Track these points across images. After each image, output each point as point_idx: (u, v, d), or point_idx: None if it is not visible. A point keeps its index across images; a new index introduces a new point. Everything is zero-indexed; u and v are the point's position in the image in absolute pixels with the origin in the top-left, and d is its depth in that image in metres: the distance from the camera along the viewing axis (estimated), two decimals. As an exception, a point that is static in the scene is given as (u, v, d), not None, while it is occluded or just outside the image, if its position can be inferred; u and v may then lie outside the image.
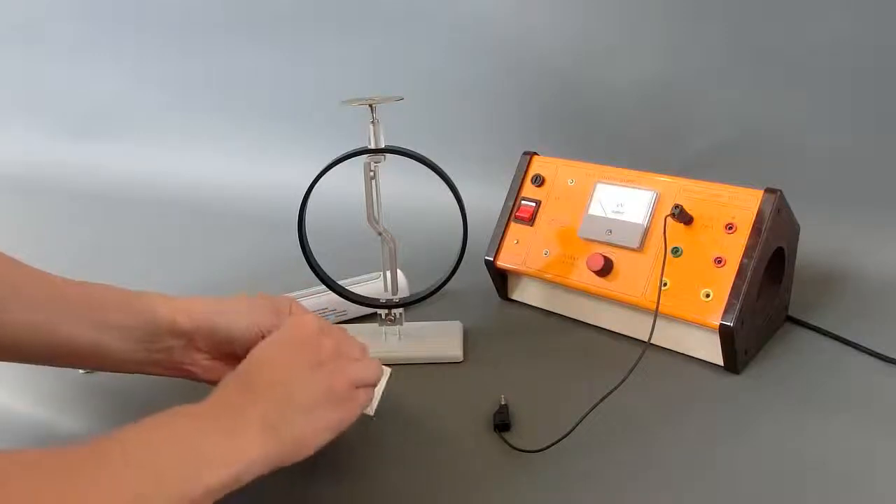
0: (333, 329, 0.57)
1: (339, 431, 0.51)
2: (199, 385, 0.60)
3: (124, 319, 0.57)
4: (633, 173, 0.78)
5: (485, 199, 0.88)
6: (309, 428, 0.49)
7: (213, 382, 0.60)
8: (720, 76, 1.00)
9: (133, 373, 0.59)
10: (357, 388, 0.53)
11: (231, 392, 0.49)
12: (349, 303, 0.77)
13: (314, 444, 0.49)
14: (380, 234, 0.73)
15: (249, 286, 0.87)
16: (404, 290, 0.81)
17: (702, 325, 0.69)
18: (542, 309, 0.85)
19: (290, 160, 1.25)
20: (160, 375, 0.61)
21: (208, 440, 0.45)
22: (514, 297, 0.88)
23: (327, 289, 0.76)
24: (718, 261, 0.69)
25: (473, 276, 0.84)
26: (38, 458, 0.40)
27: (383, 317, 0.77)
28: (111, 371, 0.59)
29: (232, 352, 0.59)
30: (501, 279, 0.86)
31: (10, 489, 0.37)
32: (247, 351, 0.57)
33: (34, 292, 0.56)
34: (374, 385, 0.56)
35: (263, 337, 0.58)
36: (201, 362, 0.60)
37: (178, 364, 0.60)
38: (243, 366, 0.52)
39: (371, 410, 0.59)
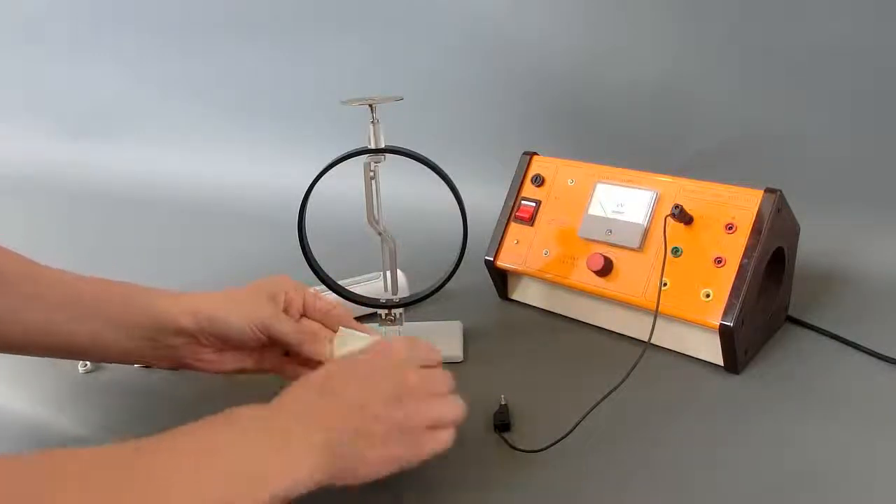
0: (422, 357, 0.55)
1: (402, 467, 0.50)
2: (200, 384, 0.60)
3: (129, 318, 0.57)
4: (633, 173, 0.78)
5: (485, 199, 0.88)
6: (372, 457, 0.48)
7: (220, 373, 0.61)
8: (720, 76, 1.00)
9: (136, 364, 0.60)
10: (433, 427, 0.52)
11: (301, 401, 0.49)
12: (349, 303, 0.77)
13: (372, 475, 0.49)
14: (380, 234, 0.73)
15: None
16: (404, 290, 0.81)
17: (702, 325, 0.69)
18: (542, 309, 0.85)
19: (290, 160, 1.25)
20: (165, 368, 0.61)
21: (272, 448, 0.45)
22: (514, 297, 0.87)
23: (327, 289, 0.76)
24: (718, 261, 0.69)
25: (473, 276, 0.84)
26: (90, 464, 0.40)
27: (383, 317, 0.77)
28: (114, 363, 0.60)
29: (238, 344, 0.60)
30: (501, 279, 0.86)
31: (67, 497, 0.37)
32: (247, 344, 0.58)
33: (52, 292, 0.57)
34: (455, 425, 0.53)
35: (262, 332, 0.59)
36: (207, 356, 0.61)
37: (183, 359, 0.60)
38: (320, 377, 0.51)
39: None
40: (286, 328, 0.60)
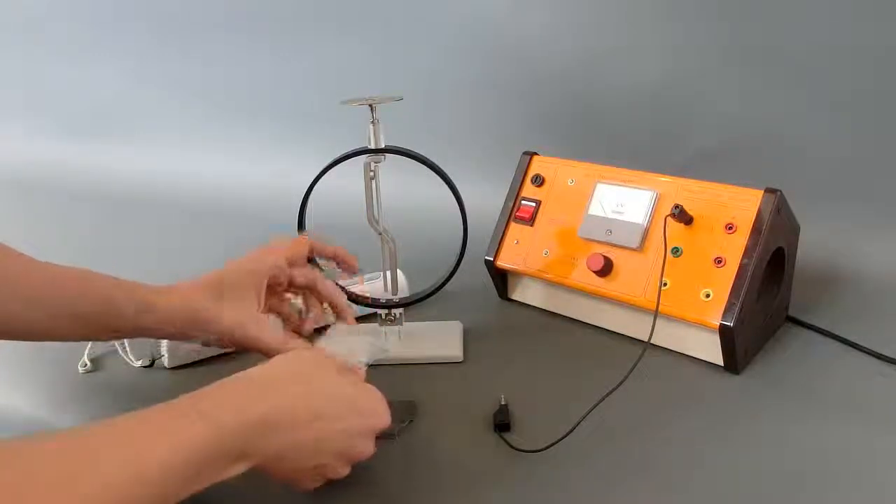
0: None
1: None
2: (199, 384, 0.60)
3: (110, 321, 0.61)
4: (633, 173, 0.78)
5: (485, 199, 0.88)
6: (301, 467, 0.50)
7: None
8: (720, 76, 1.00)
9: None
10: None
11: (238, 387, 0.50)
12: (349, 303, 0.77)
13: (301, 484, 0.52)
14: (380, 234, 0.73)
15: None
16: (404, 290, 0.81)
17: (702, 325, 0.69)
18: (542, 309, 0.85)
19: (290, 160, 1.26)
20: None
21: (165, 415, 0.46)
22: (514, 297, 0.87)
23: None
24: (718, 261, 0.69)
25: (473, 276, 0.84)
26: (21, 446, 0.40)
27: (383, 317, 0.77)
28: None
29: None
30: (501, 279, 0.86)
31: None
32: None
33: (30, 281, 0.58)
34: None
35: (237, 343, 0.63)
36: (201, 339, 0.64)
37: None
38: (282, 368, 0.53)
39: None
40: (263, 343, 0.63)
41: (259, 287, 0.64)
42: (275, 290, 0.67)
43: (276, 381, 0.51)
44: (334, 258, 0.70)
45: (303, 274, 0.67)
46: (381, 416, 0.54)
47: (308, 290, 0.69)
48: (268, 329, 0.64)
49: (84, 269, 0.61)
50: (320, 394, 0.51)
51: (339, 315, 0.70)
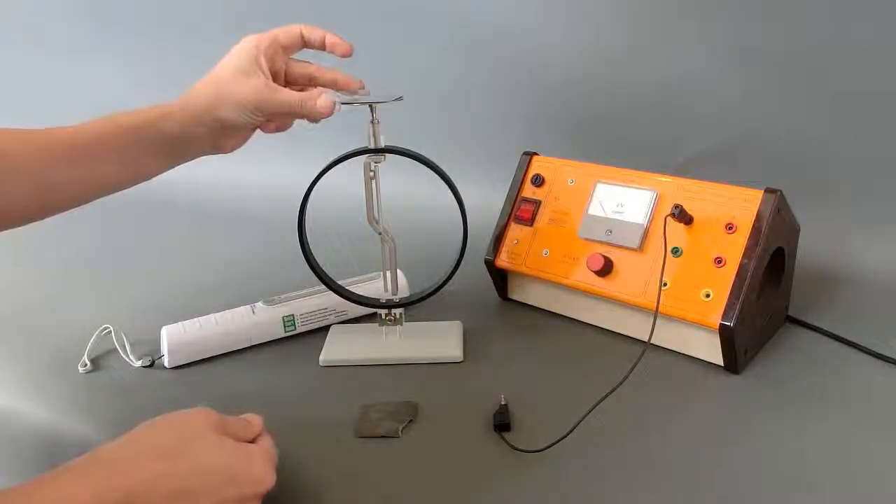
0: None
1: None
2: (200, 385, 0.60)
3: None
4: (633, 173, 0.78)
5: (485, 199, 0.88)
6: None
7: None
8: (720, 76, 1.00)
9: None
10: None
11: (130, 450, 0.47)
12: (349, 303, 0.77)
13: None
14: (380, 234, 0.73)
15: (249, 286, 0.88)
16: (404, 290, 0.81)
17: (702, 325, 0.69)
18: (542, 309, 0.85)
19: (290, 160, 1.25)
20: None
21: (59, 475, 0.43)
22: (514, 297, 0.87)
23: (327, 289, 0.76)
24: (718, 261, 0.69)
25: (473, 276, 0.84)
26: None
27: (383, 317, 0.77)
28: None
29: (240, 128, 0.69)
30: (501, 279, 0.86)
31: None
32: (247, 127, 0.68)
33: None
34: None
35: (257, 113, 0.66)
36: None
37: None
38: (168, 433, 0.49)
39: None
40: (281, 101, 0.66)
41: (256, 58, 0.66)
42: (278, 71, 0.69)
43: (134, 460, 0.46)
44: (333, 85, 0.70)
45: (300, 65, 0.71)
46: (264, 482, 0.50)
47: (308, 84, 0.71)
48: (278, 89, 0.66)
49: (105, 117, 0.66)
50: (186, 470, 0.46)
51: (345, 87, 0.71)
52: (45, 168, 0.60)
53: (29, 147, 0.60)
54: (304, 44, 0.71)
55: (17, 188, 0.59)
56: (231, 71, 0.66)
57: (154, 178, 0.69)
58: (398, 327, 0.77)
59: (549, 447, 0.58)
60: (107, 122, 0.65)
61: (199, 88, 0.67)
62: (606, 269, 0.75)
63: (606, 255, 0.75)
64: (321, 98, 0.66)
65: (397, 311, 0.77)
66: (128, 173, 0.66)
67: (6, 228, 0.61)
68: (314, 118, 0.68)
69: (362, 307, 0.78)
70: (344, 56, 0.70)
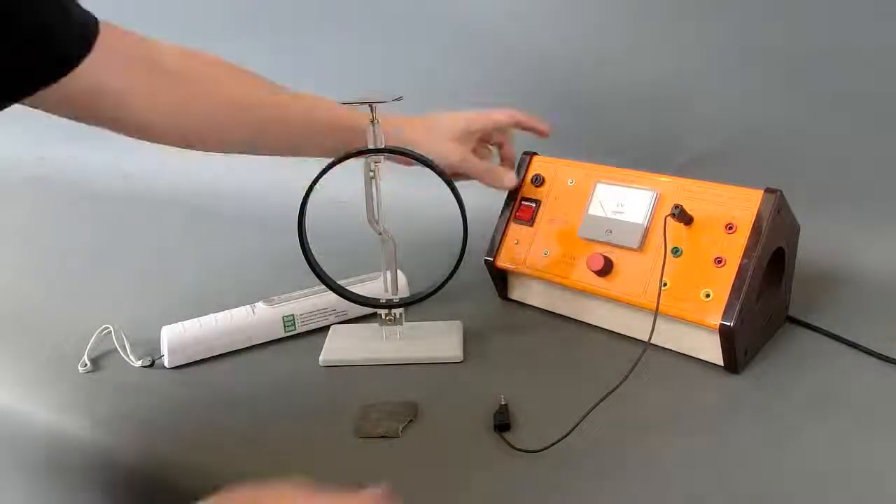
0: None
1: None
2: (199, 384, 0.60)
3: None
4: (633, 173, 0.78)
5: (485, 199, 0.88)
6: None
7: None
8: (720, 76, 1.00)
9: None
10: None
11: None
12: (349, 303, 0.77)
13: None
14: (380, 234, 0.73)
15: (249, 286, 0.88)
16: (404, 290, 0.81)
17: (702, 325, 0.69)
18: (542, 309, 0.85)
19: (290, 160, 1.25)
20: None
21: None
22: (514, 297, 0.87)
23: (327, 289, 0.76)
24: (718, 261, 0.69)
25: (473, 276, 0.84)
26: None
27: (383, 317, 0.77)
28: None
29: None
30: (501, 279, 0.86)
31: None
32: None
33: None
34: None
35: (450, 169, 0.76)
36: None
37: None
38: None
39: None
40: (473, 169, 0.81)
41: (469, 134, 0.81)
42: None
43: None
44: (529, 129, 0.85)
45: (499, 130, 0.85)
46: None
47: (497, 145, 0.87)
48: (475, 160, 0.80)
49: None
50: None
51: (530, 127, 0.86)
52: (265, 125, 0.75)
53: (265, 100, 0.76)
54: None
55: (243, 129, 0.75)
56: (448, 128, 0.81)
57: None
58: (398, 327, 0.77)
59: (548, 447, 0.58)
60: (325, 108, 0.77)
61: (414, 124, 0.80)
62: (606, 269, 0.75)
63: (606, 255, 0.75)
64: (508, 176, 0.83)
65: (397, 311, 0.76)
66: (295, 150, 0.80)
67: (205, 150, 0.79)
68: (497, 188, 0.83)
69: (362, 307, 0.78)
70: (541, 137, 0.85)
